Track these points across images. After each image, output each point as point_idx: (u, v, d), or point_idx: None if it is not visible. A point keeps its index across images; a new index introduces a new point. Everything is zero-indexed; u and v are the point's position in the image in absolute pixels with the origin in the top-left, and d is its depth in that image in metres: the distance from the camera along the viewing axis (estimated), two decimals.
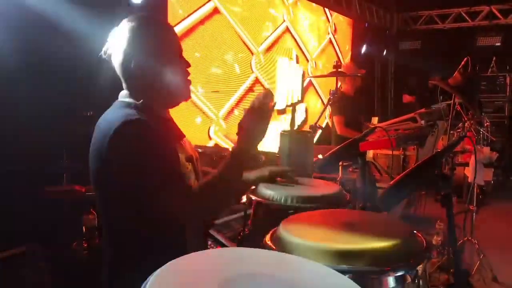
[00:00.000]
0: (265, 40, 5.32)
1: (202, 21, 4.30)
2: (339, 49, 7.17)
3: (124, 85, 1.39)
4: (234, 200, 2.14)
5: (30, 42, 2.72)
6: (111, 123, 1.25)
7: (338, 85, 3.64)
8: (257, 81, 5.13)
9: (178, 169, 1.32)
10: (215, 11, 4.48)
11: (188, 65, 1.42)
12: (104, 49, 1.38)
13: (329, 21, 6.89)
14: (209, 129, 4.45)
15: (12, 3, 2.66)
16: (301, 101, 6.09)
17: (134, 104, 1.33)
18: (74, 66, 2.88)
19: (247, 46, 4.97)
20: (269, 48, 5.39)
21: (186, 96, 1.46)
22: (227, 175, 1.31)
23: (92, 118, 1.35)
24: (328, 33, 6.88)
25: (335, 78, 3.49)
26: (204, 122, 4.39)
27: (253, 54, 5.07)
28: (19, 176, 2.66)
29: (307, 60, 6.23)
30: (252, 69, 5.05)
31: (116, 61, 1.35)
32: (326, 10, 6.73)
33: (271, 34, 5.43)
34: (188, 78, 1.43)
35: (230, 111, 4.73)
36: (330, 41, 6.92)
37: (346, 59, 7.20)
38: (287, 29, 5.75)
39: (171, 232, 1.31)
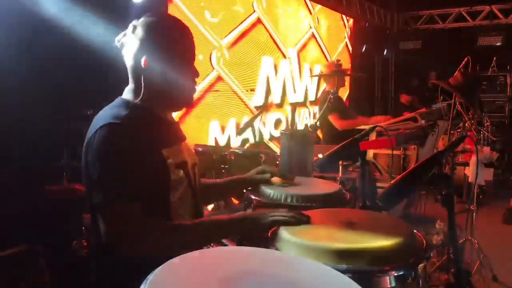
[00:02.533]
0: (230, 32, 4.53)
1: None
2: (324, 44, 6.55)
3: (130, 80, 1.37)
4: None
5: (30, 41, 2.72)
6: (98, 122, 1.25)
7: (324, 86, 3.65)
8: (219, 79, 4.42)
9: (150, 184, 1.22)
10: (258, 21, 4.23)
11: (197, 75, 1.40)
12: (118, 38, 1.35)
13: (311, 13, 6.18)
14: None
15: (12, 2, 2.66)
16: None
17: (132, 103, 1.32)
18: (74, 65, 2.87)
19: (206, 38, 4.27)
20: (235, 42, 4.63)
21: (190, 104, 1.44)
22: (222, 230, 1.29)
23: (92, 117, 1.34)
24: (311, 27, 6.20)
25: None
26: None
27: (214, 48, 4.36)
28: (19, 175, 2.66)
29: (284, 56, 5.55)
30: (212, 66, 4.33)
31: (128, 56, 1.34)
32: (307, 0, 6.06)
33: (238, 25, 4.64)
34: (195, 87, 1.41)
35: (186, 113, 4.03)
36: (313, 35, 6.28)
37: (333, 56, 6.77)
38: (259, 21, 4.97)
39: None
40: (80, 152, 1.29)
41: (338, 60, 3.55)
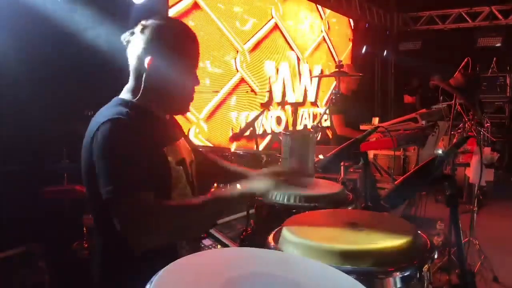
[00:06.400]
0: (251, 37, 4.90)
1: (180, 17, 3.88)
2: (333, 48, 6.86)
3: (130, 79, 1.37)
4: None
5: (31, 42, 2.71)
6: (98, 120, 1.25)
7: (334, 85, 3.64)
8: (242, 80, 4.82)
9: (152, 179, 1.22)
10: (195, 6, 4.14)
11: (197, 83, 1.39)
12: (124, 35, 1.35)
13: (322, 18, 6.56)
14: (188, 131, 4.20)
15: (13, 2, 2.65)
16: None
17: (129, 102, 1.32)
18: (75, 66, 2.87)
19: (231, 43, 4.60)
20: (255, 47, 5.00)
21: (186, 110, 1.44)
22: (215, 206, 1.26)
23: (92, 117, 1.34)
24: (322, 31, 6.56)
25: (332, 78, 3.49)
26: (183, 124, 4.27)
27: (237, 52, 4.71)
28: (19, 176, 2.65)
29: (298, 59, 5.93)
30: (236, 69, 4.73)
31: (132, 55, 1.33)
32: (319, 7, 6.38)
33: (258, 31, 5.01)
34: (193, 95, 1.41)
35: (212, 112, 4.44)
36: (324, 40, 6.63)
37: (342, 58, 6.91)
38: (276, 26, 5.38)
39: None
40: (81, 153, 1.28)
41: (339, 60, 3.54)
